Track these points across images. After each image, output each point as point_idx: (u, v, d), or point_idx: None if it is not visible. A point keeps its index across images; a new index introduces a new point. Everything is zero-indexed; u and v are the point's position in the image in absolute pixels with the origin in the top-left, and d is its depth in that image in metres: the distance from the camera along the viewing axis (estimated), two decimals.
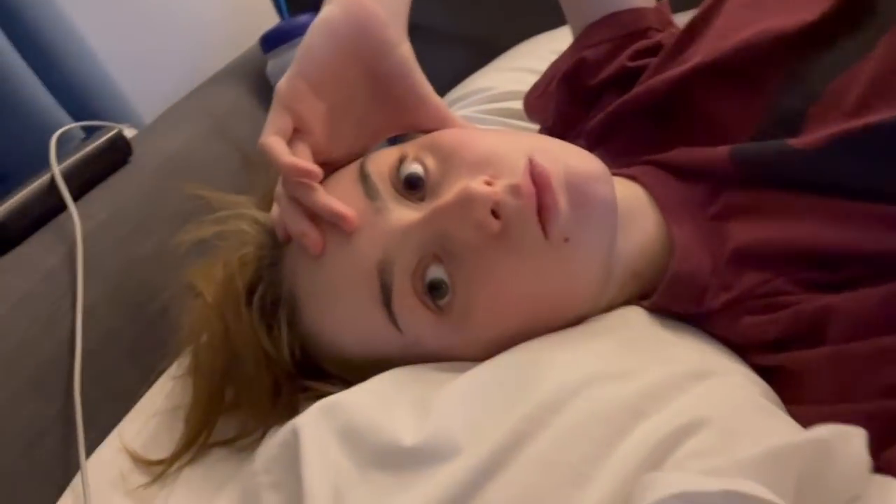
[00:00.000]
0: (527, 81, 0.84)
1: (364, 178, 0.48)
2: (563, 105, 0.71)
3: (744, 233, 0.50)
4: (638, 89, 0.61)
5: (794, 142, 0.47)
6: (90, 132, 1.18)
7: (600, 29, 0.69)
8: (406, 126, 0.54)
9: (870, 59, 0.46)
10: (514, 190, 0.44)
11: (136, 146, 0.76)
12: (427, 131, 0.53)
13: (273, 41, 0.95)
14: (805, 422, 0.43)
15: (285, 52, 0.94)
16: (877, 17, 0.48)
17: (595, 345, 0.45)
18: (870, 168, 0.45)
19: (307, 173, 0.46)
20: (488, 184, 0.44)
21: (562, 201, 0.45)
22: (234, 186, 0.76)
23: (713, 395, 0.41)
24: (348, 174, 0.49)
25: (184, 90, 1.20)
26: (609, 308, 0.52)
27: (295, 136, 0.49)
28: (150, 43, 1.49)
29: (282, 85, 0.49)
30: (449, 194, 0.45)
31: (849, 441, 0.35)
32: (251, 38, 1.36)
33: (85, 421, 0.51)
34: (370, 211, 0.47)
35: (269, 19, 1.17)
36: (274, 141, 0.47)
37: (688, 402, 0.41)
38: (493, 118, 0.83)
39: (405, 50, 0.51)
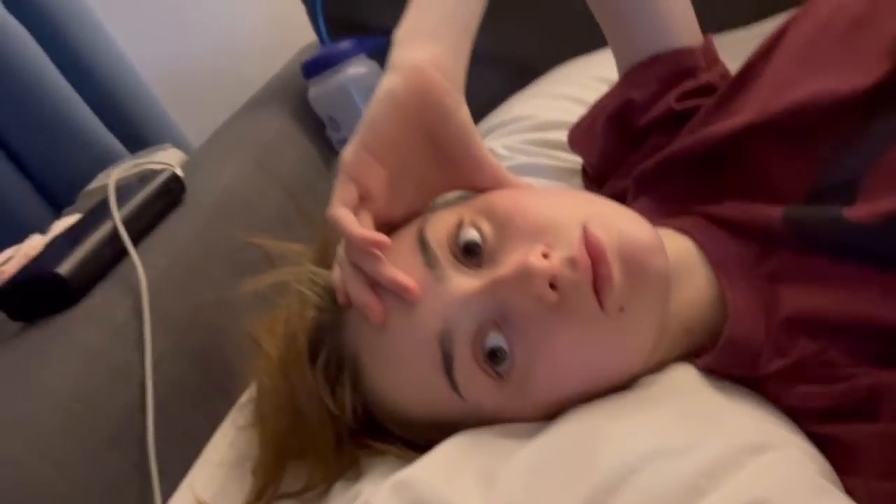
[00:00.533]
0: (569, 110, 0.85)
1: (423, 246, 0.49)
2: (609, 145, 0.72)
3: (797, 300, 0.51)
4: (687, 140, 0.61)
5: (849, 213, 0.48)
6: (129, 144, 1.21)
7: (647, 69, 0.70)
8: (462, 185, 0.55)
9: None
10: (571, 263, 0.46)
11: (188, 182, 0.78)
12: (483, 190, 0.54)
13: (314, 68, 0.97)
14: (860, 496, 0.45)
15: (326, 80, 0.95)
16: None
17: (652, 415, 0.47)
18: None
19: (377, 244, 0.48)
20: (545, 256, 0.46)
21: (616, 272, 0.46)
22: (284, 218, 0.78)
23: (771, 473, 0.43)
24: (407, 240, 0.51)
25: (221, 100, 1.22)
26: (661, 364, 0.53)
27: (359, 203, 0.51)
28: (186, 53, 1.51)
29: (347, 156, 0.50)
30: (508, 266, 0.46)
31: None
32: (288, 49, 1.37)
33: (159, 473, 0.54)
34: (430, 279, 0.48)
35: (306, 31, 1.18)
36: (343, 213, 0.49)
37: (746, 480, 0.42)
38: (535, 149, 0.84)
39: (464, 114, 0.52)
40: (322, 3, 1.02)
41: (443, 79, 0.51)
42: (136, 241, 0.67)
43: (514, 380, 0.48)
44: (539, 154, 0.83)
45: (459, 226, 0.50)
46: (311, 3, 1.06)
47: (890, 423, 0.44)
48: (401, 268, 0.48)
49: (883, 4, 0.54)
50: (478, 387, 0.48)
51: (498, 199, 0.52)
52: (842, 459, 0.47)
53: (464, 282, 0.48)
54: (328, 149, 1.01)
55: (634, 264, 0.47)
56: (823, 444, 0.48)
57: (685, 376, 0.51)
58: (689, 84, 0.68)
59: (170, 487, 0.56)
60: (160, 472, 0.54)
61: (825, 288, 0.50)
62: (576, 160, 0.79)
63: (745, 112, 0.57)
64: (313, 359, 0.53)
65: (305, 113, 0.98)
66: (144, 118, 1.27)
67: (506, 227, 0.49)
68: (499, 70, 1.05)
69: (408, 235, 0.51)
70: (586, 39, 0.91)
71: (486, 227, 0.49)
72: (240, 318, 0.59)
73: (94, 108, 1.19)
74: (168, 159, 0.97)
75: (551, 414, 0.49)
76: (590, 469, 0.43)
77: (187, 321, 0.64)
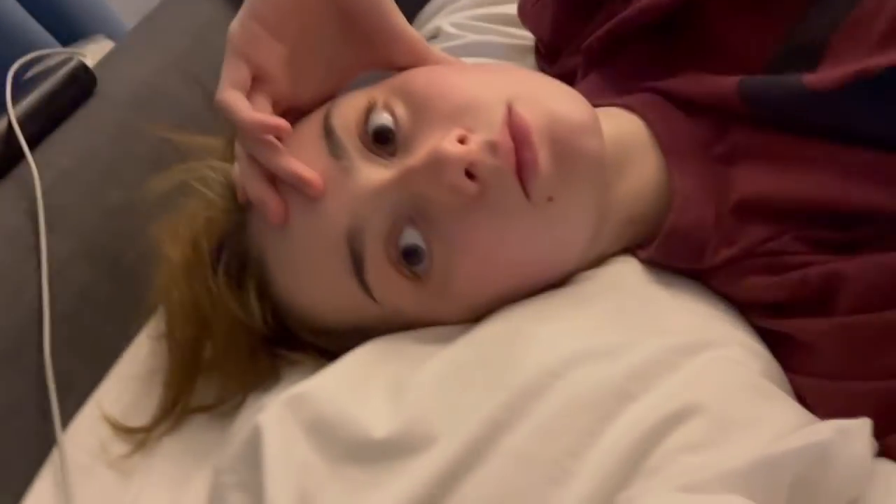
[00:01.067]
0: None
1: (328, 133, 0.44)
2: (560, 16, 0.64)
3: (751, 181, 0.45)
4: (640, 5, 0.54)
5: (810, 79, 0.41)
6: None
7: None
8: (378, 63, 0.49)
9: None
10: (491, 147, 0.40)
11: (102, 74, 0.70)
12: (402, 68, 0.48)
13: None
14: (808, 393, 0.41)
15: None
16: None
17: (581, 315, 0.42)
18: (892, 114, 0.39)
19: (273, 128, 0.42)
20: (462, 140, 0.40)
21: (543, 157, 0.40)
22: (211, 114, 0.71)
23: (707, 375, 0.39)
24: (312, 127, 0.45)
25: None
26: (602, 258, 0.48)
27: (255, 85, 0.45)
28: None
29: (234, 30, 0.44)
30: (420, 153, 0.41)
31: (850, 440, 0.33)
32: None
33: (62, 389, 0.50)
34: (336, 171, 0.43)
35: None
36: (231, 96, 0.43)
37: (679, 383, 0.38)
38: (486, 25, 0.76)
39: None
40: None
41: None
42: (37, 140, 0.61)
43: (433, 280, 0.43)
44: (490, 31, 0.75)
45: (370, 109, 0.44)
46: None
47: (844, 317, 0.39)
48: (304, 158, 0.43)
49: None
50: (393, 289, 0.43)
51: (414, 77, 0.45)
52: (792, 357, 0.43)
53: (374, 173, 0.42)
54: None
55: (564, 147, 0.41)
56: (774, 340, 0.44)
57: (625, 270, 0.47)
58: None
59: (79, 403, 0.52)
60: (66, 389, 0.50)
61: (782, 167, 0.44)
62: (530, 36, 0.72)
63: None
64: (217, 262, 0.48)
65: None
66: (79, 9, 1.17)
67: (422, 110, 0.43)
68: None
69: (314, 122, 0.45)
70: None
71: (401, 111, 0.43)
72: (155, 222, 0.54)
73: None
74: (97, 52, 0.89)
75: (479, 316, 0.45)
76: (508, 374, 0.39)
77: (95, 226, 0.58)
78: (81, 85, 0.67)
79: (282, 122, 0.42)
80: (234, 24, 0.44)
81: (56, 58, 0.70)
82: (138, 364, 0.54)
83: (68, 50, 0.72)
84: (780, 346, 0.43)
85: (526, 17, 0.69)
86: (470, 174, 0.40)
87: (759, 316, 0.45)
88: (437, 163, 0.39)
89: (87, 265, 0.56)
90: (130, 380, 0.53)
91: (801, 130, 0.43)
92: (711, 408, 0.36)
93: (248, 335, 0.48)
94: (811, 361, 0.41)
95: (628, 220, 0.48)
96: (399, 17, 0.47)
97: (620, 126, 0.50)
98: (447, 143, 0.39)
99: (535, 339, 0.41)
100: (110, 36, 1.10)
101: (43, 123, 0.63)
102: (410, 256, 0.42)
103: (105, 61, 0.74)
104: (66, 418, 0.50)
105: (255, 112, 0.42)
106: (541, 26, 0.67)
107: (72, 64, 0.67)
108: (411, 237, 0.42)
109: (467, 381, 0.40)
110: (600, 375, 0.38)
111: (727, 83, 0.47)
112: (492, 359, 0.40)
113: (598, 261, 0.48)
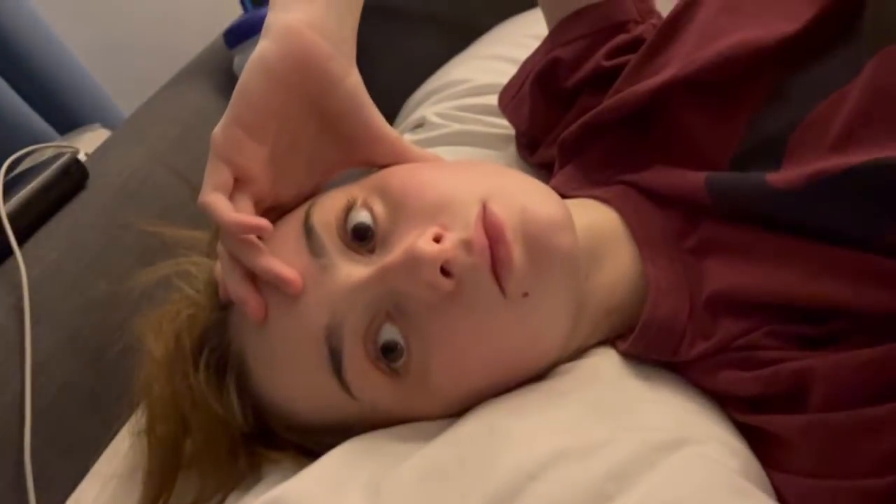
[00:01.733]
0: (504, 72, 0.79)
1: (308, 231, 0.44)
2: (538, 108, 0.66)
3: (720, 275, 0.46)
4: (610, 101, 0.56)
5: (773, 178, 0.43)
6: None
7: (575, 24, 0.64)
8: (358, 162, 0.50)
9: (855, 83, 0.42)
10: (466, 245, 0.41)
11: (94, 166, 0.72)
12: (382, 166, 0.49)
13: (237, 36, 0.90)
14: (787, 491, 0.41)
15: (250, 48, 0.89)
16: (863, 36, 0.43)
17: (559, 410, 0.42)
18: (853, 213, 0.41)
19: (253, 228, 0.43)
20: (438, 238, 0.41)
21: (517, 254, 0.41)
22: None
23: (684, 473, 0.38)
24: (293, 225, 0.46)
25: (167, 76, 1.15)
26: (581, 349, 0.49)
27: (237, 186, 0.46)
28: (123, 34, 1.44)
29: (217, 135, 0.45)
30: (397, 251, 0.42)
31: None
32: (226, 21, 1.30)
33: (41, 487, 0.49)
34: (315, 269, 0.43)
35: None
36: (213, 198, 0.44)
37: (657, 482, 0.38)
38: (469, 115, 0.79)
39: (352, 83, 0.47)
40: None
41: (324, 42, 0.45)
42: (27, 234, 0.62)
43: (411, 376, 0.43)
44: (472, 121, 0.77)
45: (349, 208, 0.45)
46: None
47: (817, 414, 0.40)
48: (284, 256, 0.43)
49: None
50: (372, 386, 0.43)
51: (393, 175, 0.46)
52: (771, 453, 0.43)
53: (353, 270, 0.43)
54: None
55: (537, 244, 0.42)
56: (753, 435, 0.44)
57: (604, 363, 0.47)
58: (621, 39, 0.62)
59: (59, 500, 0.51)
60: (45, 488, 0.50)
61: (750, 261, 0.45)
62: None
63: (670, 68, 0.52)
64: (198, 360, 0.48)
65: (231, 87, 0.92)
66: (76, 99, 1.21)
67: (400, 208, 0.44)
68: (439, 33, 0.98)
69: (295, 220, 0.46)
70: None
71: (380, 208, 0.45)
72: (139, 315, 0.54)
73: (19, 89, 1.12)
74: (92, 141, 0.91)
75: (458, 411, 0.45)
76: (485, 476, 0.39)
77: (79, 319, 0.59)
78: (73, 179, 0.69)
79: (262, 222, 0.43)
80: (217, 129, 0.45)
81: (49, 151, 0.72)
82: (118, 461, 0.54)
83: (61, 144, 0.74)
84: (759, 442, 0.43)
85: (504, 108, 0.71)
86: (446, 271, 0.40)
87: (737, 410, 0.45)
88: (413, 261, 0.40)
89: (70, 359, 0.57)
90: (110, 478, 0.53)
91: (769, 225, 0.44)
92: None
93: (228, 432, 0.48)
94: (789, 458, 0.41)
95: (606, 312, 0.49)
96: (378, 117, 0.48)
97: (595, 218, 0.51)
98: (423, 241, 0.40)
99: (511, 436, 0.40)
100: (107, 124, 1.13)
101: (33, 217, 0.64)
102: (389, 353, 0.43)
103: (97, 153, 0.76)
104: None
105: (235, 213, 0.43)
106: (519, 118, 0.69)
107: (64, 158, 0.69)
108: (389, 333, 0.42)
109: (444, 482, 0.39)
110: (578, 476, 0.38)
111: (695, 178, 0.48)
112: (469, 458, 0.40)
113: (578, 353, 0.48)
